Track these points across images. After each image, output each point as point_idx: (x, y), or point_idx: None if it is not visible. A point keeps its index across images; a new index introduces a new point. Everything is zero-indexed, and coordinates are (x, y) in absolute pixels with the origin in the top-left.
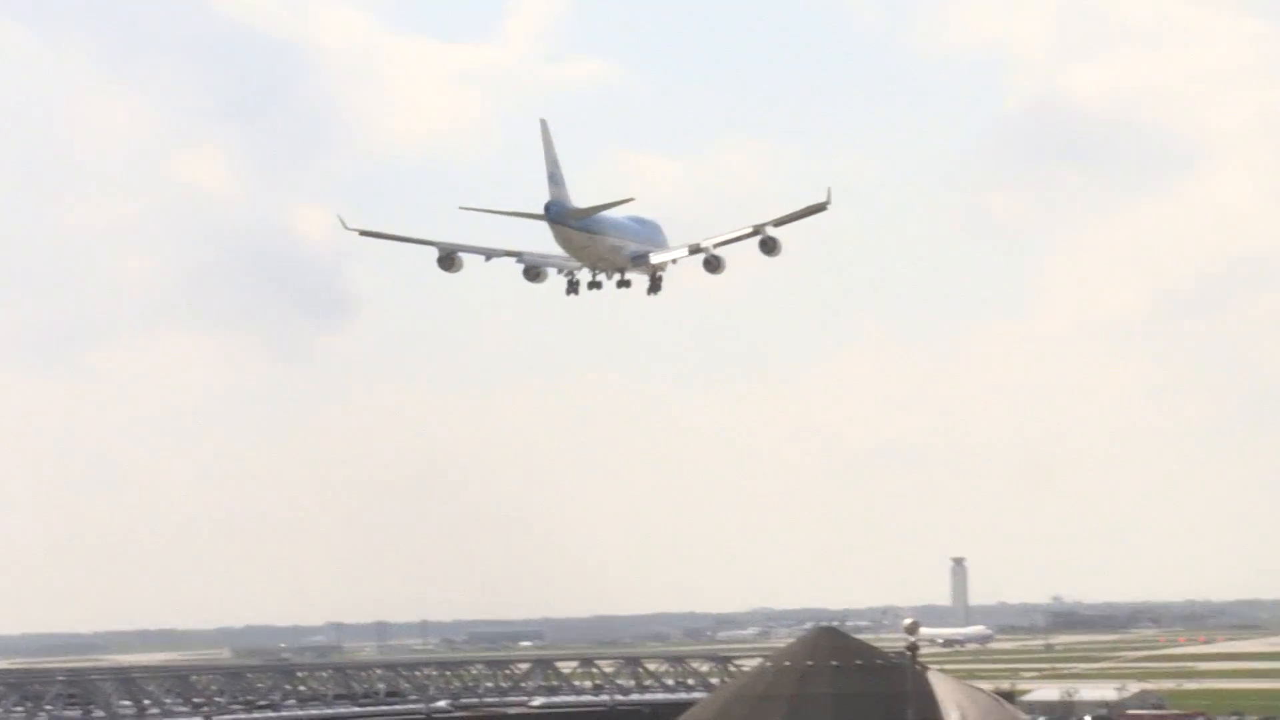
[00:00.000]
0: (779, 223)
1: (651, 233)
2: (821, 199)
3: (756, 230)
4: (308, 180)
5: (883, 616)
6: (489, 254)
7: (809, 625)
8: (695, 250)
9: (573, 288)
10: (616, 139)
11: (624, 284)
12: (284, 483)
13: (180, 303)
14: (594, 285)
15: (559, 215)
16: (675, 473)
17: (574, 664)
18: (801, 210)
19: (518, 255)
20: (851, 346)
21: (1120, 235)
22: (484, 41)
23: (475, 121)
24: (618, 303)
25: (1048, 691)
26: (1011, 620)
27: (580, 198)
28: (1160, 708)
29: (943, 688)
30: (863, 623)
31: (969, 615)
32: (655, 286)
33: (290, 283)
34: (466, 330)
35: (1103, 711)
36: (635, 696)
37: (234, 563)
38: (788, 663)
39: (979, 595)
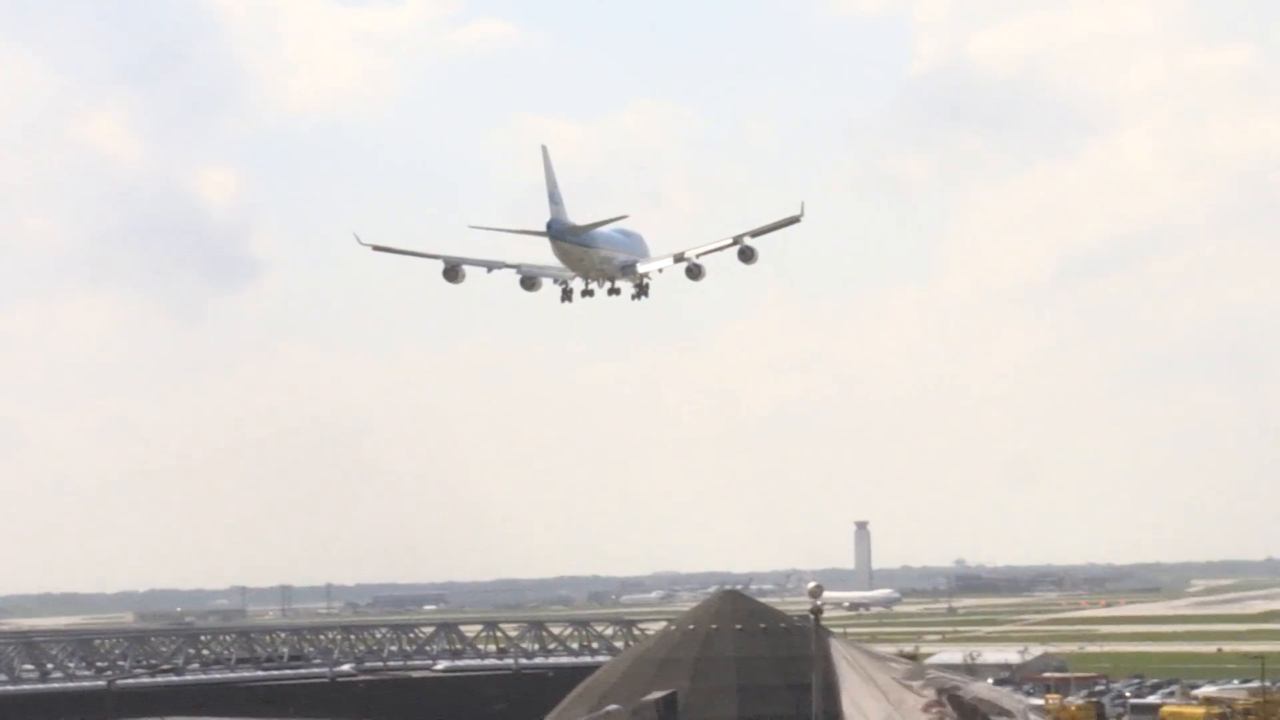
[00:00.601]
0: (755, 234)
1: (636, 243)
2: (795, 212)
3: (736, 240)
4: (210, 142)
5: (787, 580)
6: (491, 266)
7: (713, 589)
8: (679, 259)
9: (567, 295)
10: (518, 101)
11: (614, 291)
12: (188, 446)
13: (81, 265)
14: (587, 293)
15: (559, 232)
16: (578, 436)
17: (478, 628)
18: (777, 222)
19: (517, 267)
20: (753, 309)
21: (1023, 198)
22: (386, 3)
23: (377, 83)
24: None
25: (950, 654)
26: (915, 584)
27: (486, 162)
28: (1062, 671)
29: (843, 653)
30: (767, 586)
31: (873, 579)
32: (642, 292)
33: (192, 245)
34: (370, 293)
35: (1005, 674)
36: (539, 660)
37: (137, 526)
38: (691, 626)
39: (883, 559)
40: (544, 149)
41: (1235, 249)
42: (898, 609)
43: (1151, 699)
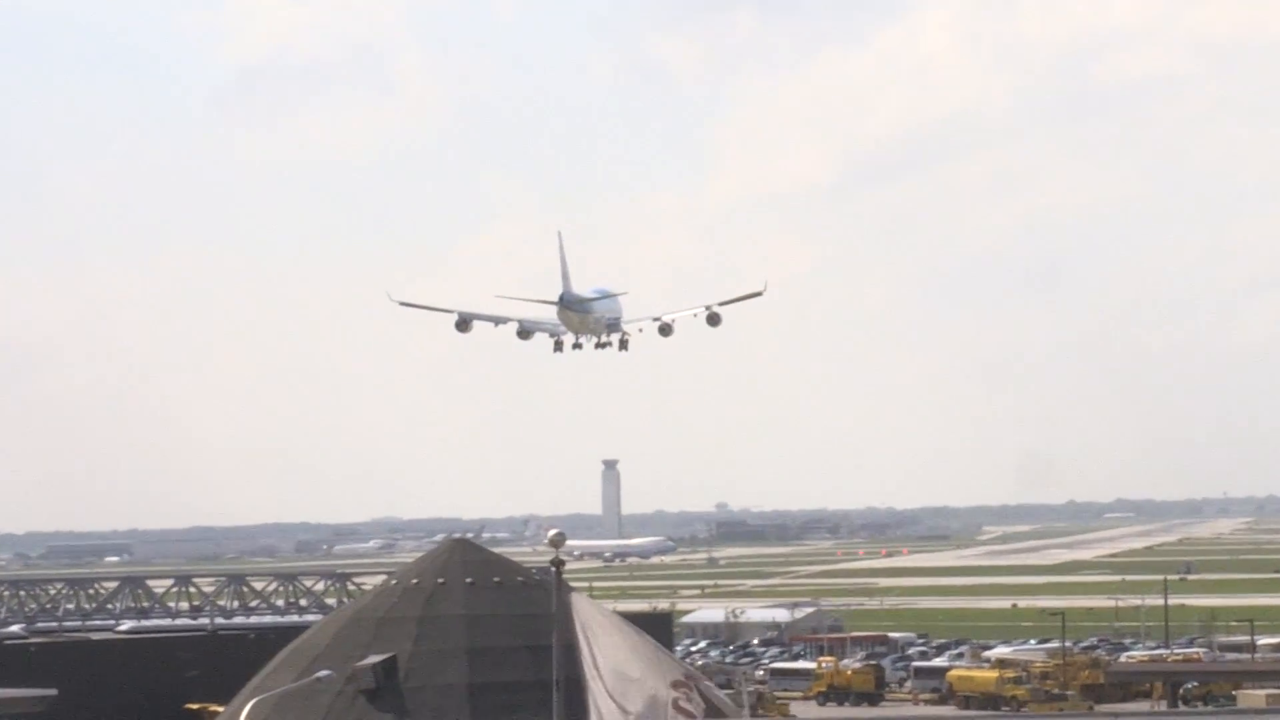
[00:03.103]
0: (723, 304)
1: (614, 303)
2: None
3: (707, 308)
4: None
5: (524, 527)
6: (498, 321)
7: (439, 537)
8: (656, 319)
9: (558, 347)
10: None
11: (601, 345)
12: None
13: None
14: (577, 346)
15: (569, 303)
16: (285, 367)
17: (168, 582)
18: (741, 295)
19: (519, 323)
20: (494, 218)
21: (804, 90)
22: None
23: None
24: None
25: (711, 611)
26: (671, 530)
27: None
28: (837, 629)
29: (586, 612)
30: (501, 534)
31: (622, 525)
32: (623, 346)
33: None
34: (57, 205)
35: (772, 634)
36: (239, 619)
37: None
38: (415, 580)
39: (634, 503)
40: (559, 234)
41: (1044, 151)
42: (651, 560)
43: (938, 661)
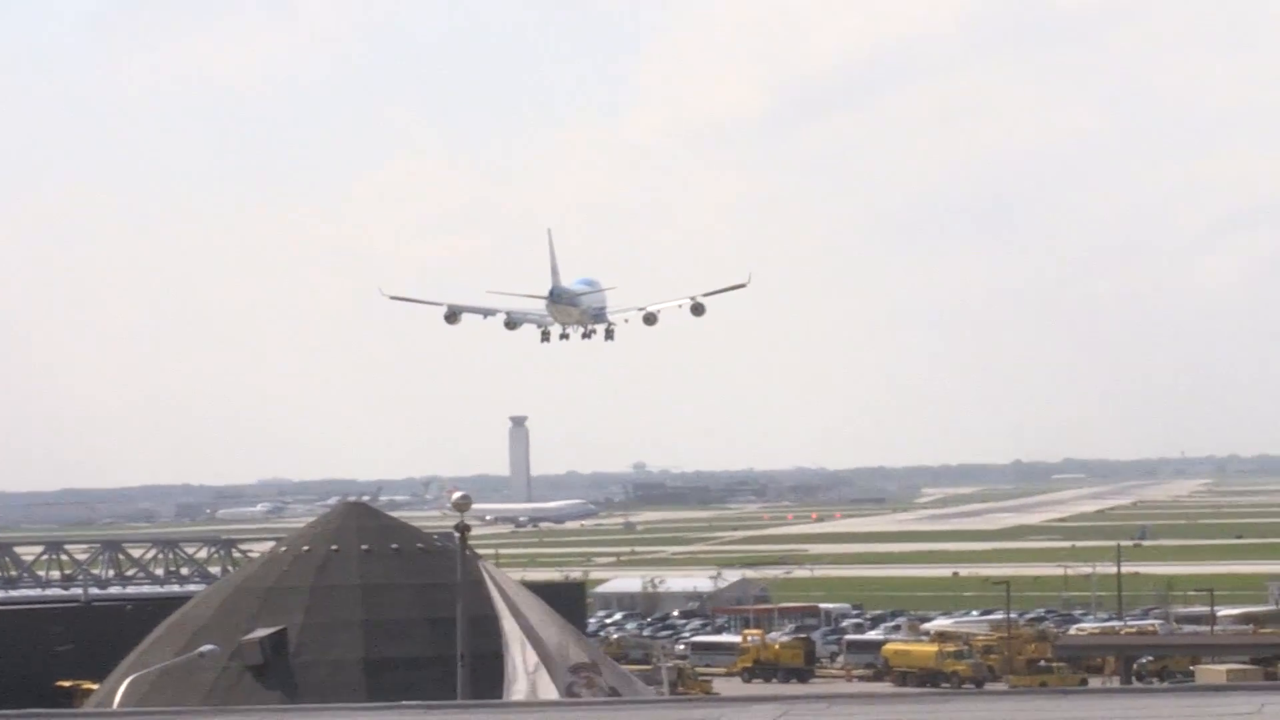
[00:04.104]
0: (707, 295)
1: (600, 294)
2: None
3: (692, 299)
4: None
5: (425, 489)
6: (486, 313)
7: (333, 501)
8: (641, 309)
9: (545, 337)
10: None
11: (587, 335)
12: None
13: None
14: (564, 337)
15: (558, 297)
16: (165, 317)
17: (37, 549)
18: (726, 286)
19: (507, 314)
20: (391, 159)
21: (732, 14)
22: None
23: None
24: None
25: (627, 581)
26: (584, 493)
27: None
28: (764, 600)
29: (496, 581)
30: (400, 497)
31: (531, 487)
32: (609, 336)
33: None
34: None
35: (694, 605)
36: (115, 589)
37: None
38: (306, 547)
39: (544, 463)
40: (549, 232)
41: (994, 81)
42: (563, 525)
43: (873, 634)
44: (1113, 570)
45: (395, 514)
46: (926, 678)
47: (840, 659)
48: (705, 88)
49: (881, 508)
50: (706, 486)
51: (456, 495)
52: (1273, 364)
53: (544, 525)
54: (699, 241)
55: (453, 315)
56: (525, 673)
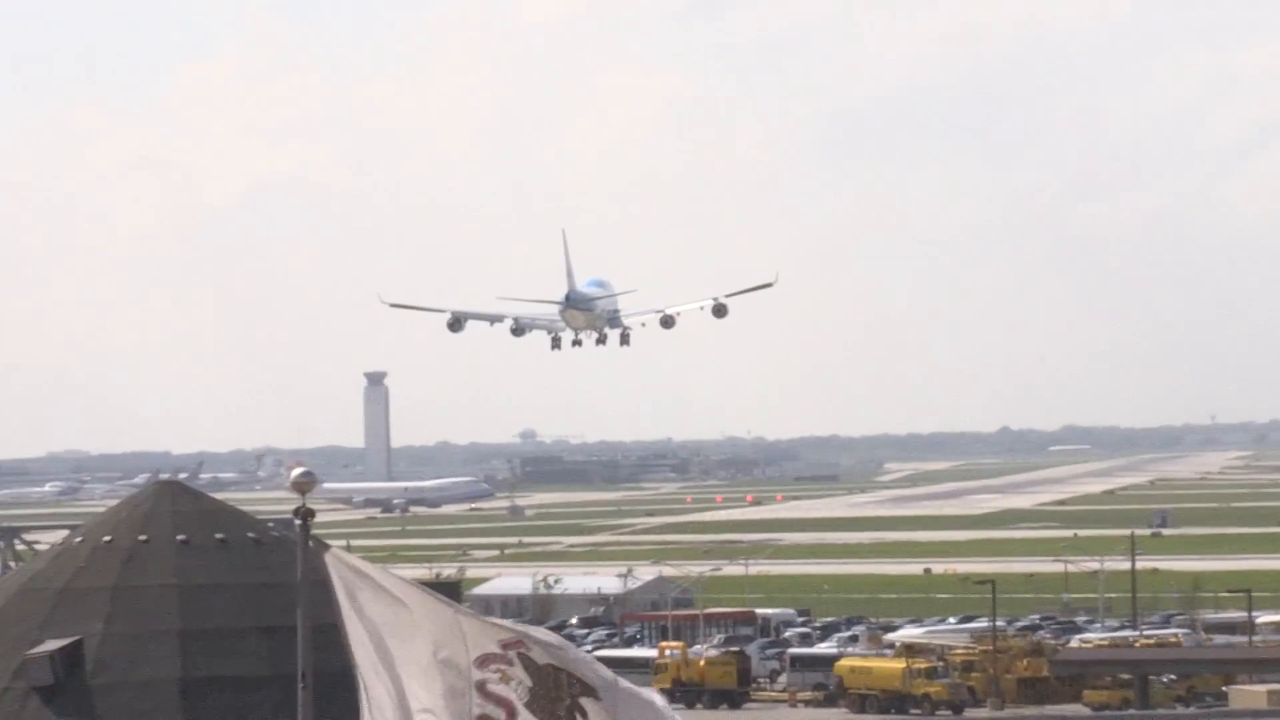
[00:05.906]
0: (730, 295)
1: (614, 298)
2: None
3: (714, 300)
4: None
5: (258, 464)
6: (492, 319)
7: (142, 479)
8: (659, 311)
9: (556, 344)
10: None
11: (601, 340)
12: None
13: None
14: (576, 343)
15: (575, 302)
16: None
17: None
18: (751, 286)
19: (514, 320)
20: (221, 53)
21: None
22: None
23: None
24: None
25: (514, 579)
26: (461, 470)
27: None
28: (686, 605)
29: (347, 576)
30: (227, 474)
31: (392, 460)
32: (624, 340)
33: None
34: None
35: (597, 610)
36: None
37: None
38: (108, 538)
39: (407, 433)
40: (563, 233)
41: None
42: (430, 511)
43: (824, 647)
44: (1126, 566)
45: (220, 495)
46: (890, 702)
47: (782, 678)
48: None
49: (835, 487)
50: (613, 461)
51: (296, 472)
52: None
53: (413, 511)
54: (611, 151)
55: (456, 323)
56: (390, 698)
